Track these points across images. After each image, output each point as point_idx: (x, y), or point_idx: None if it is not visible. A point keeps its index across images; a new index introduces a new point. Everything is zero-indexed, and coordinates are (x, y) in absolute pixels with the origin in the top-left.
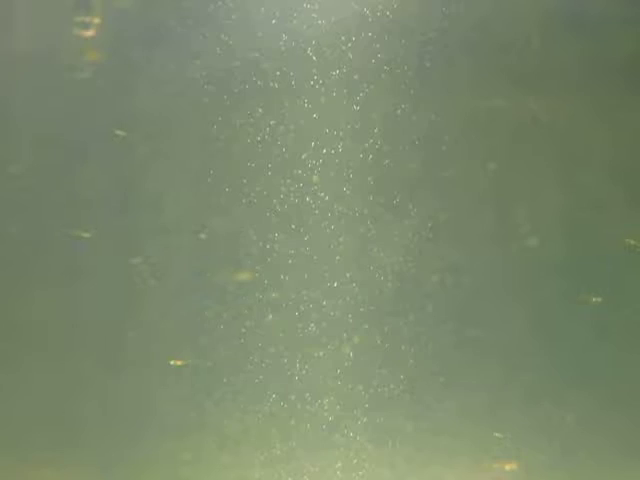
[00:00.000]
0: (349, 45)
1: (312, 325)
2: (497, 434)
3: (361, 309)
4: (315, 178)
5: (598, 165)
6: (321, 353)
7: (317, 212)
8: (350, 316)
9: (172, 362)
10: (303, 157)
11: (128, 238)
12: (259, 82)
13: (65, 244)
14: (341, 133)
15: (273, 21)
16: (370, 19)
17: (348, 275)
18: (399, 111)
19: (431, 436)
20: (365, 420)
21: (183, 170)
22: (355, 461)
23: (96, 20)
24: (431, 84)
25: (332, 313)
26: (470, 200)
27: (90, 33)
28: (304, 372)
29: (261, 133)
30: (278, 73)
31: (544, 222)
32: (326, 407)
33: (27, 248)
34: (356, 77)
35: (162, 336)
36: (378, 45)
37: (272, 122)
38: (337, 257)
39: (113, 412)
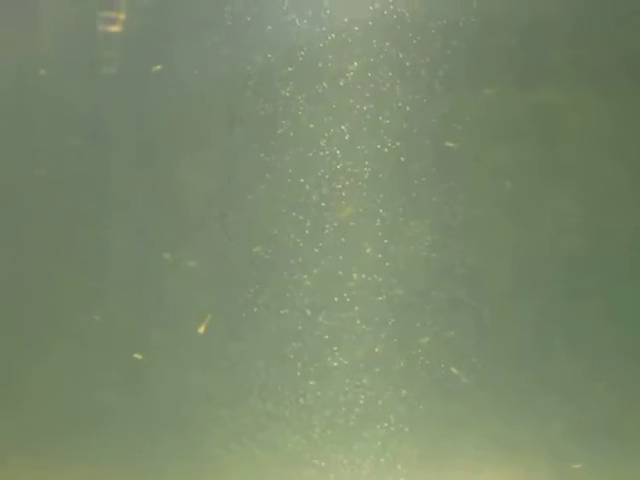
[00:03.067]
0: (368, 44)
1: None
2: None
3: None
4: (343, 176)
5: None
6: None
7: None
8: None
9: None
10: (328, 156)
11: (152, 238)
12: (281, 79)
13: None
14: (364, 133)
15: (295, 17)
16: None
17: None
18: (425, 109)
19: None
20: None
21: (203, 166)
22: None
23: (121, 16)
24: (456, 81)
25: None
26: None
27: (115, 29)
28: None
29: (284, 132)
30: (301, 69)
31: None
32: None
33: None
34: (378, 76)
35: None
36: (404, 43)
37: (295, 121)
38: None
39: None
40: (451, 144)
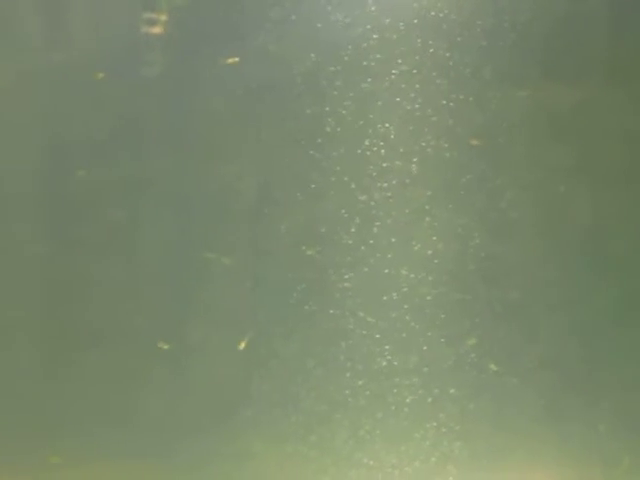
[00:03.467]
0: (412, 43)
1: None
2: None
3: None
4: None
5: None
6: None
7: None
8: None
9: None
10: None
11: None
12: (327, 81)
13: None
14: (411, 131)
15: (341, 16)
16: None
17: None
18: (472, 108)
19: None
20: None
21: (250, 165)
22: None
23: (163, 17)
24: (501, 79)
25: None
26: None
27: (157, 30)
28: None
29: (331, 130)
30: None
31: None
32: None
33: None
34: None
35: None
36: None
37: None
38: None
39: None
40: (499, 141)
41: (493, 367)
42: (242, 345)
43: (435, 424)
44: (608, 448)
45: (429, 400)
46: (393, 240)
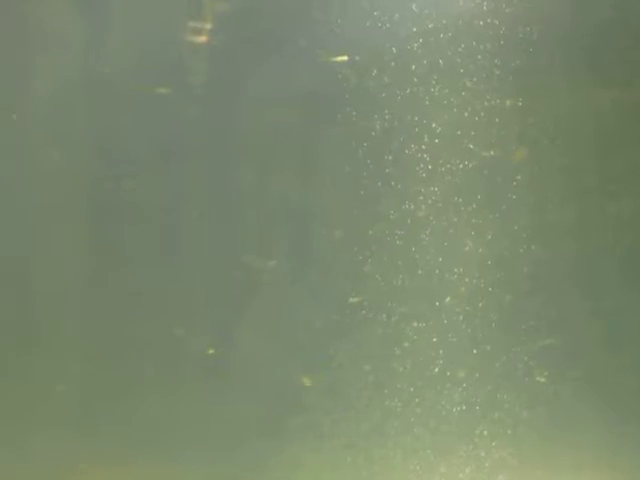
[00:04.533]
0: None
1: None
2: None
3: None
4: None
5: None
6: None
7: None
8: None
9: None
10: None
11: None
12: (373, 84)
13: None
14: (456, 135)
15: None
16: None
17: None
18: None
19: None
20: None
21: (296, 169)
22: None
23: (207, 26)
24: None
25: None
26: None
27: (202, 39)
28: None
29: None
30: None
31: None
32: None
33: None
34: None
35: None
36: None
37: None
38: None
39: None
40: (544, 142)
41: (545, 373)
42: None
43: (485, 431)
44: None
45: (477, 407)
46: (445, 244)
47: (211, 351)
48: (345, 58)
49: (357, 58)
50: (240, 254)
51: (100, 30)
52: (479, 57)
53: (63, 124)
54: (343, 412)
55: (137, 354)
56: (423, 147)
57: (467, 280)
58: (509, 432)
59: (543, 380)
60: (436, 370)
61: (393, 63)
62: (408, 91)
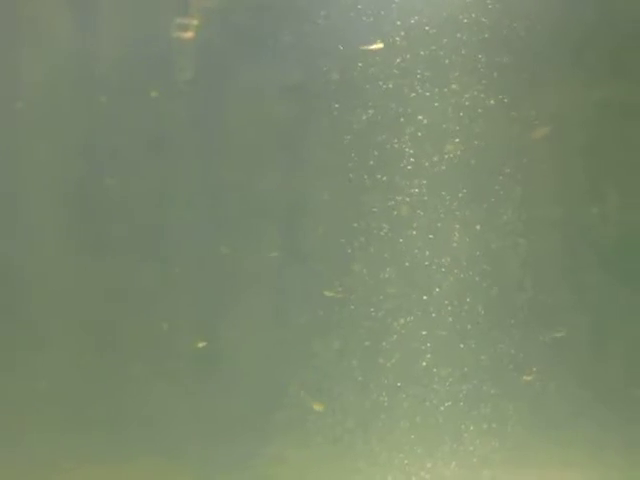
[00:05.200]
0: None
1: None
2: None
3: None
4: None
5: None
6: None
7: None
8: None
9: None
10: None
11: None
12: (357, 83)
13: None
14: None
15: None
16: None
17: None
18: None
19: None
20: None
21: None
22: None
23: (194, 22)
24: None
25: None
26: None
27: (189, 35)
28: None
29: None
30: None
31: None
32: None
33: None
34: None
35: None
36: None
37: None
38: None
39: None
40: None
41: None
42: None
43: (472, 426)
44: None
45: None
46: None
47: (196, 345)
48: (331, 51)
49: (342, 51)
50: (224, 246)
51: (85, 24)
52: (463, 52)
53: (45, 118)
54: (329, 408)
55: (117, 348)
56: (408, 140)
57: (453, 273)
58: (494, 426)
59: (529, 376)
60: (422, 365)
61: (378, 57)
62: (393, 84)
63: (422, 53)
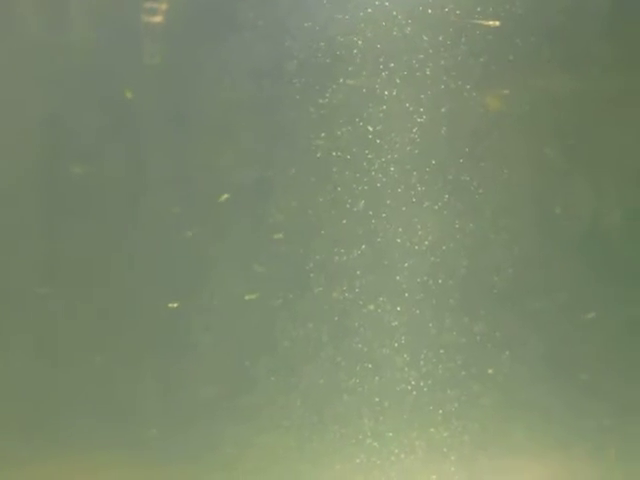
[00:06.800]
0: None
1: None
2: None
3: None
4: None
5: None
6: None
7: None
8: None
9: None
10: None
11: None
12: (339, 68)
13: None
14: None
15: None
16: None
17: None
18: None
19: None
20: None
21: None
22: None
23: (163, 6)
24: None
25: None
26: None
27: (157, 19)
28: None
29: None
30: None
31: None
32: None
33: None
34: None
35: None
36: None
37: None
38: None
39: None
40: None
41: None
42: None
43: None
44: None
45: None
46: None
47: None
48: (305, 35)
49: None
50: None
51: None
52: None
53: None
54: (298, 392)
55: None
56: (381, 124)
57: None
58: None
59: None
60: (394, 346)
61: (356, 38)
62: (368, 69)
63: (395, 34)
